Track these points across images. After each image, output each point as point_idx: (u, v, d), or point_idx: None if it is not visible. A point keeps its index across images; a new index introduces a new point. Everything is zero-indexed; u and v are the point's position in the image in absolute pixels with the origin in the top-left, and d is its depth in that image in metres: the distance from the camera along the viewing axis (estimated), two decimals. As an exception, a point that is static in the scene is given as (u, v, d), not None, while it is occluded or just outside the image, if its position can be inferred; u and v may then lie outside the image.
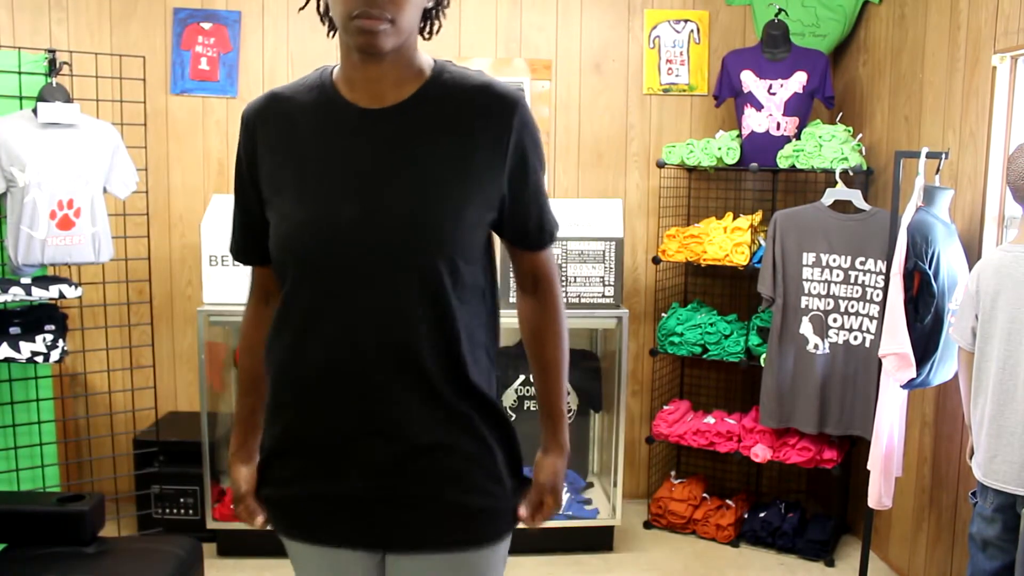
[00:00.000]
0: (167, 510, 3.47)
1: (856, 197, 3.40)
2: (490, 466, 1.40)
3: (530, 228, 1.43)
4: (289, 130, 1.37)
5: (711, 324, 3.72)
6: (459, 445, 1.37)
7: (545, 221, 1.45)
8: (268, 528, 1.54)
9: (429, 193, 1.31)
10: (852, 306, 3.39)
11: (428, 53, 1.40)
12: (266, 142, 1.39)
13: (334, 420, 1.36)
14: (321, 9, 1.40)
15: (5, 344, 2.89)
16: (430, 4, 1.36)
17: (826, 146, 3.46)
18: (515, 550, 3.84)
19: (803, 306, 3.45)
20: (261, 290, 1.51)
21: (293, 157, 1.36)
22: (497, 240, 1.45)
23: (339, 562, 1.46)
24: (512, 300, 3.37)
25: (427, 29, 1.40)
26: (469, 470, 1.38)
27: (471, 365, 1.37)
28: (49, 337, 2.98)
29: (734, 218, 3.70)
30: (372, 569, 1.46)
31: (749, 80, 3.65)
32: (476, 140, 1.33)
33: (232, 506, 1.58)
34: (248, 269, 1.56)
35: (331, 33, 1.39)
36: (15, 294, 2.89)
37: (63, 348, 3.02)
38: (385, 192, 1.31)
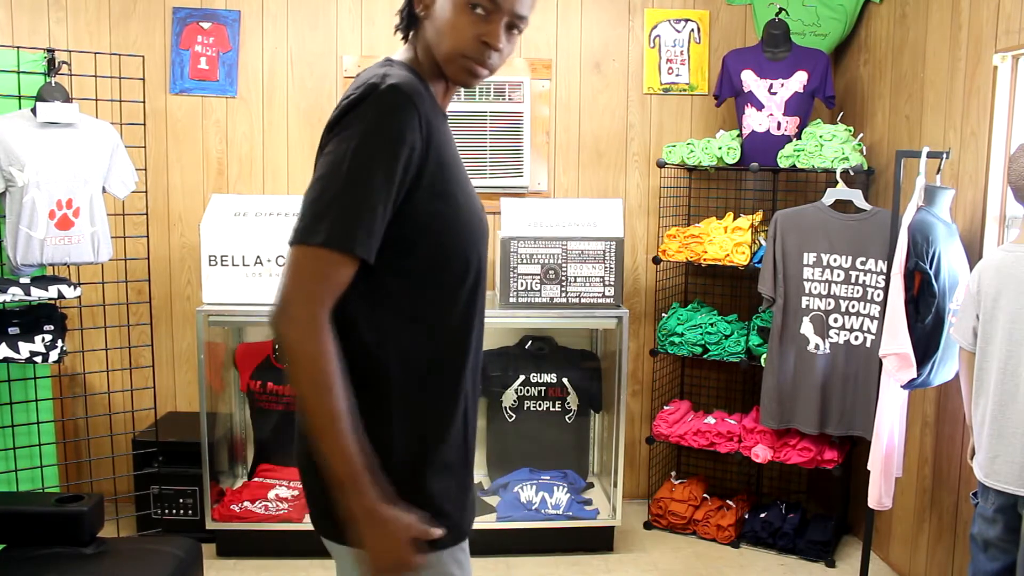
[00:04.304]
0: (166, 511, 3.46)
1: (857, 197, 3.39)
2: None
3: None
4: (439, 125, 1.37)
5: (711, 324, 3.71)
6: None
7: None
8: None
9: None
10: (853, 306, 3.38)
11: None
12: (435, 131, 1.33)
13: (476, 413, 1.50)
14: (404, 10, 1.42)
15: (4, 344, 2.88)
16: None
17: (827, 146, 3.45)
18: (515, 550, 3.82)
19: (804, 306, 3.44)
20: (336, 297, 1.28)
21: (448, 151, 1.38)
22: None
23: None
24: (512, 300, 3.36)
25: None
26: None
27: None
28: (48, 337, 2.98)
29: (734, 218, 3.69)
30: None
31: (750, 79, 3.64)
32: None
33: (407, 549, 1.28)
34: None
35: (403, 35, 1.44)
36: (14, 294, 2.88)
37: (62, 348, 3.02)
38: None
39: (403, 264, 1.31)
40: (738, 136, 3.69)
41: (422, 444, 1.37)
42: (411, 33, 1.42)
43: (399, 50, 1.46)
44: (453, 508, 1.41)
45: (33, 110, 2.95)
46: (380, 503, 1.24)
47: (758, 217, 3.68)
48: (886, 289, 2.91)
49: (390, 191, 1.25)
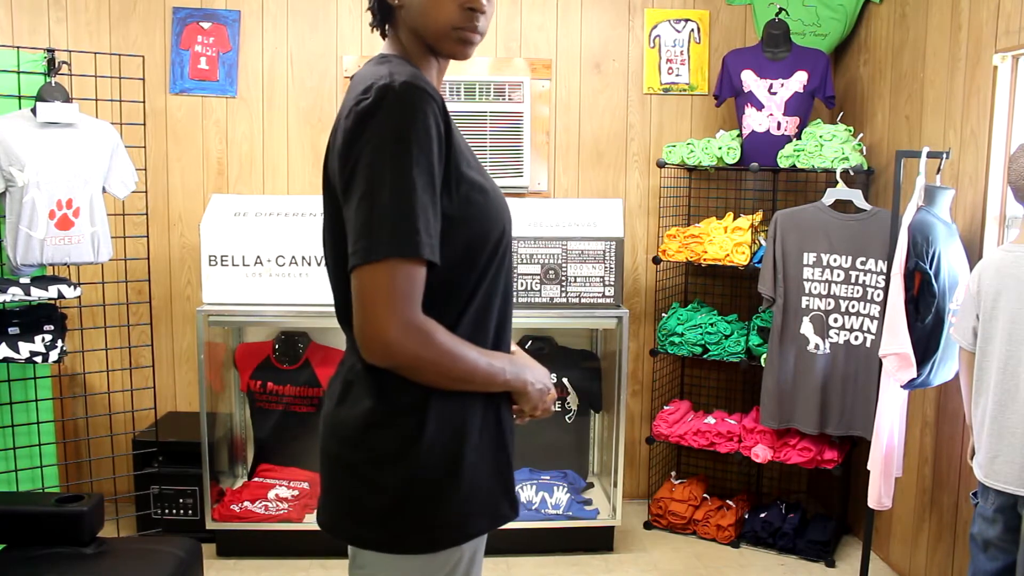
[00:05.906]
0: (166, 510, 3.46)
1: (857, 197, 3.40)
2: None
3: None
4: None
5: (711, 324, 3.71)
6: None
7: None
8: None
9: None
10: (853, 306, 3.38)
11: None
12: (449, 118, 1.34)
13: None
14: (373, 5, 1.43)
15: (4, 344, 2.88)
16: None
17: (827, 146, 3.45)
18: (515, 550, 3.82)
19: (804, 306, 3.44)
20: (419, 300, 1.27)
21: (460, 139, 1.38)
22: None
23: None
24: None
25: None
26: None
27: None
28: (48, 337, 2.98)
29: (734, 218, 3.69)
30: None
31: (750, 80, 3.64)
32: None
33: (550, 397, 1.52)
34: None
35: (379, 28, 1.44)
36: (14, 294, 2.88)
37: (62, 348, 3.02)
38: None
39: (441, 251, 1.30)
40: (738, 136, 3.69)
41: (455, 433, 1.37)
42: (387, 26, 1.43)
43: (383, 45, 1.44)
44: (489, 491, 1.41)
45: (33, 110, 2.95)
46: (520, 372, 1.42)
47: (758, 217, 3.68)
48: (886, 289, 2.91)
49: (435, 187, 1.25)
